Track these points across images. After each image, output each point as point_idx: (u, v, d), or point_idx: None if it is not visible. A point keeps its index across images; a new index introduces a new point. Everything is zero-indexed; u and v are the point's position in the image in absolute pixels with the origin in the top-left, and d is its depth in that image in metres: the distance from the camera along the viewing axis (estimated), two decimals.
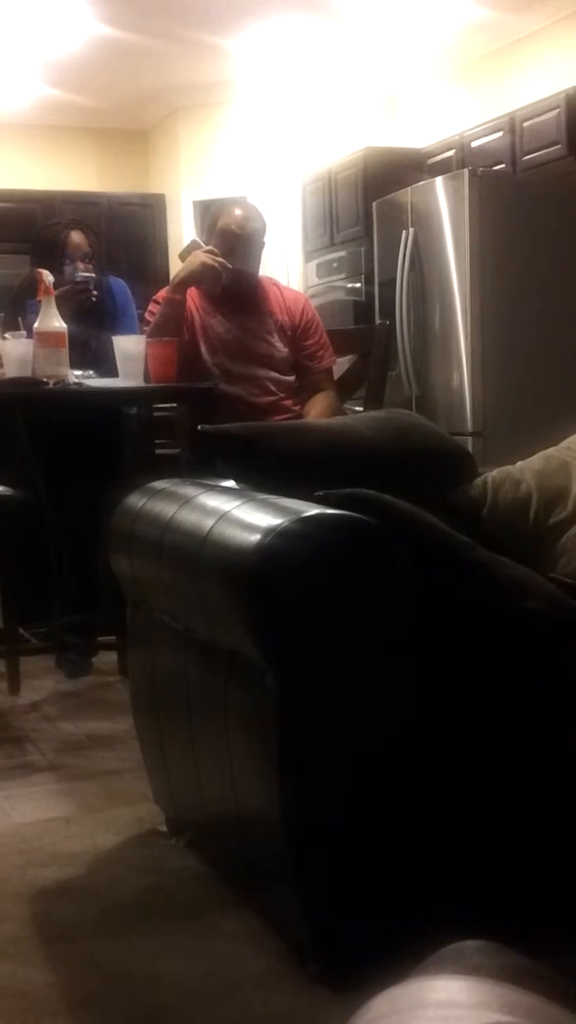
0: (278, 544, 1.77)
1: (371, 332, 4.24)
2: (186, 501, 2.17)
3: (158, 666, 2.38)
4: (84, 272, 3.88)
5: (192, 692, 2.16)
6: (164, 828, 2.50)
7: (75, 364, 3.50)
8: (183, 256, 3.87)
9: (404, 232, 5.90)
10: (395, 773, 1.83)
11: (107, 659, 3.94)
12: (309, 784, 1.82)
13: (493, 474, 2.42)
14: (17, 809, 2.73)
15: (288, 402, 3.77)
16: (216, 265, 3.68)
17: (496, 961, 0.65)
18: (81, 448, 3.95)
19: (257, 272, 3.83)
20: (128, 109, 8.41)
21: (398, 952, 1.06)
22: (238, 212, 3.79)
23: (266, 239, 3.84)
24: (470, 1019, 0.57)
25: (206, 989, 1.86)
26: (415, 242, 5.83)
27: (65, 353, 3.43)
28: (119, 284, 4.15)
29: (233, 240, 3.73)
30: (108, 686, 3.82)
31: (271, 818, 1.84)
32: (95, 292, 3.86)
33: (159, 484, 2.41)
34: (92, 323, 3.84)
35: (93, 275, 3.90)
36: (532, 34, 6.75)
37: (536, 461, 2.41)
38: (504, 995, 0.60)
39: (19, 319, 3.76)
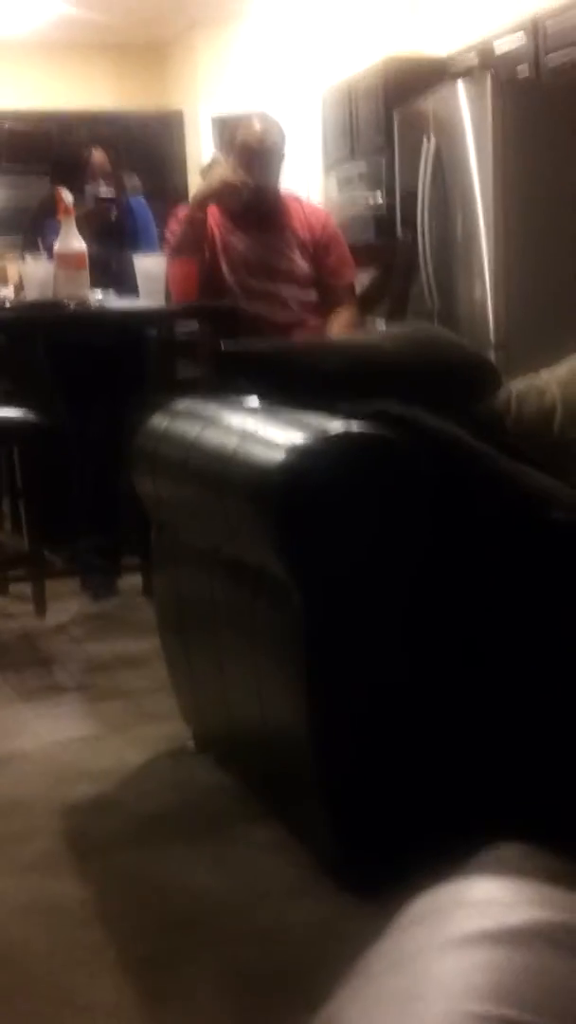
0: (303, 462, 1.77)
1: (393, 246, 4.19)
2: (210, 420, 2.16)
3: (184, 586, 2.39)
4: (106, 191, 3.83)
5: (219, 610, 2.17)
6: (192, 744, 2.52)
7: (95, 284, 3.48)
8: (204, 173, 3.82)
9: (426, 141, 5.78)
10: (421, 686, 1.84)
11: (132, 580, 3.95)
12: (335, 698, 1.83)
13: (517, 385, 2.38)
14: (47, 728, 2.76)
15: (310, 319, 3.73)
16: (236, 182, 3.62)
17: (536, 863, 0.66)
18: (102, 369, 3.92)
19: (278, 185, 3.77)
20: (144, 24, 8.25)
21: (423, 863, 1.06)
22: (257, 125, 3.72)
23: (286, 152, 3.78)
24: (512, 915, 0.57)
25: (235, 899, 1.89)
26: (437, 152, 5.72)
27: (86, 274, 3.40)
28: (140, 204, 4.10)
29: (252, 155, 3.66)
30: (133, 607, 3.84)
31: (298, 733, 1.85)
32: (115, 211, 3.81)
33: (182, 404, 2.39)
34: (112, 243, 3.80)
35: (114, 196, 3.85)
36: None
37: (561, 370, 2.37)
38: (547, 893, 0.60)
39: (39, 240, 3.73)
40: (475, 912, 0.59)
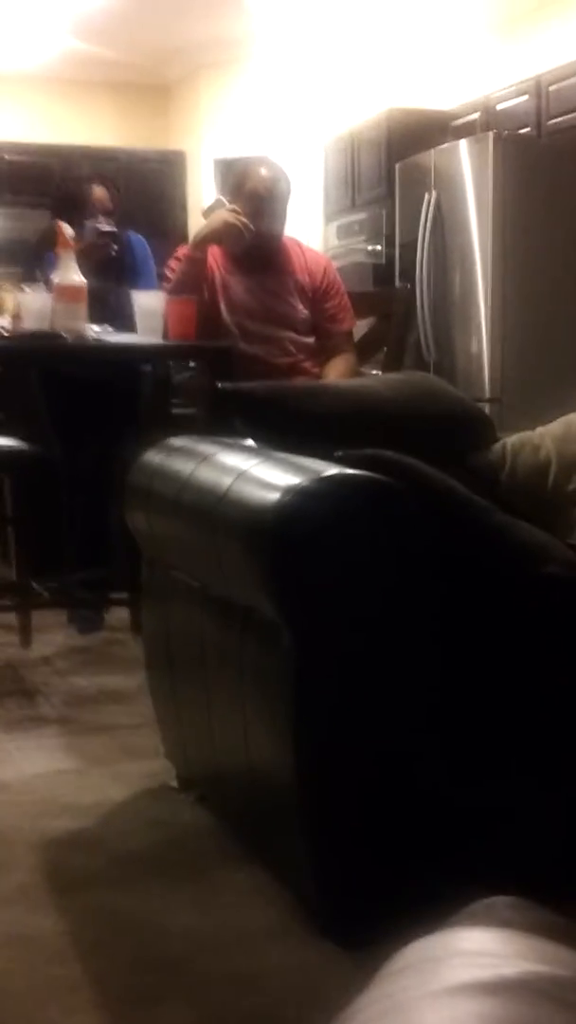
0: (297, 503, 1.77)
1: (391, 295, 4.23)
2: (205, 458, 2.17)
3: (173, 622, 2.39)
4: (106, 225, 3.86)
5: (207, 649, 2.17)
6: (175, 783, 2.51)
7: (93, 319, 3.49)
8: (206, 214, 3.85)
9: (426, 195, 5.85)
10: (410, 732, 1.84)
11: (119, 616, 3.95)
12: (322, 740, 1.83)
13: (512, 439, 2.41)
14: (28, 760, 2.75)
15: (307, 364, 3.76)
16: (238, 224, 3.65)
17: (527, 916, 0.66)
18: (96, 403, 3.94)
19: (282, 233, 3.80)
20: (150, 64, 8.34)
21: (408, 911, 1.06)
22: (265, 173, 3.75)
23: (290, 200, 3.81)
24: (506, 967, 0.57)
25: (214, 941, 1.88)
26: (437, 205, 5.79)
27: (84, 307, 3.42)
28: (139, 240, 4.14)
29: (260, 203, 3.69)
30: (119, 642, 3.83)
31: (284, 774, 1.85)
32: (115, 247, 3.84)
33: (178, 441, 2.40)
34: (111, 278, 3.82)
35: (114, 230, 3.88)
36: None
37: (556, 427, 2.40)
38: (539, 947, 0.60)
39: (37, 272, 3.75)
40: (468, 962, 0.59)
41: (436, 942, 0.62)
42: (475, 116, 6.81)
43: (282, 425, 2.29)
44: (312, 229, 7.46)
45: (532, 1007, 0.55)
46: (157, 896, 2.04)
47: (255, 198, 3.70)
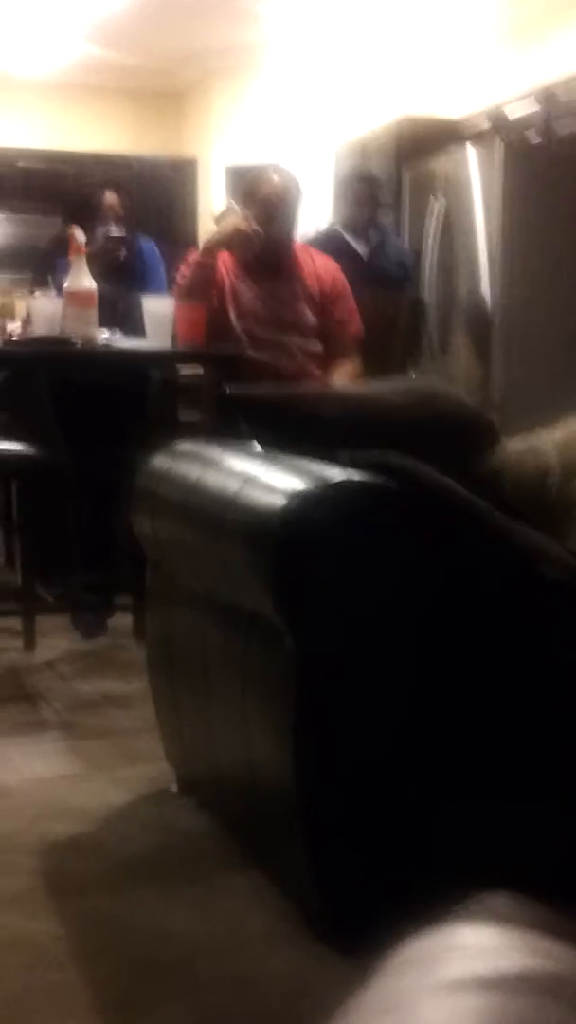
0: (303, 508, 1.77)
1: (397, 301, 4.23)
2: (212, 463, 2.17)
3: (176, 626, 2.39)
4: (116, 230, 3.87)
5: (209, 653, 2.17)
6: (175, 788, 2.51)
7: (102, 324, 3.50)
8: (218, 220, 3.86)
9: (434, 201, 5.86)
10: (411, 737, 1.84)
11: (123, 621, 3.95)
12: (324, 747, 1.82)
13: (516, 444, 2.40)
14: (30, 764, 2.75)
15: (314, 369, 3.76)
16: (249, 231, 3.66)
17: (524, 912, 0.66)
18: (103, 408, 3.94)
19: (292, 240, 3.81)
20: (164, 70, 8.36)
21: (405, 916, 1.06)
22: (277, 180, 3.76)
23: (301, 207, 3.82)
24: (506, 961, 0.57)
25: (213, 945, 1.88)
26: (445, 212, 5.79)
27: (94, 313, 3.42)
28: (149, 246, 4.15)
29: (272, 210, 3.70)
30: (123, 647, 3.83)
31: (284, 779, 1.85)
32: (125, 251, 3.85)
33: (185, 446, 2.41)
34: (121, 283, 3.83)
35: (124, 235, 3.89)
36: (570, 4, 6.66)
37: (558, 432, 2.40)
38: (536, 942, 0.60)
39: (49, 277, 3.76)
40: (467, 957, 0.59)
41: (434, 938, 0.62)
42: (484, 124, 6.81)
43: (288, 429, 2.29)
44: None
45: (530, 1002, 0.54)
46: (156, 900, 2.04)
47: (266, 204, 3.71)
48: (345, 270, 4.54)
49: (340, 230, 5.24)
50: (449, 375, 5.59)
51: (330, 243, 4.94)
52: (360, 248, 5.18)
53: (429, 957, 0.60)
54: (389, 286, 4.96)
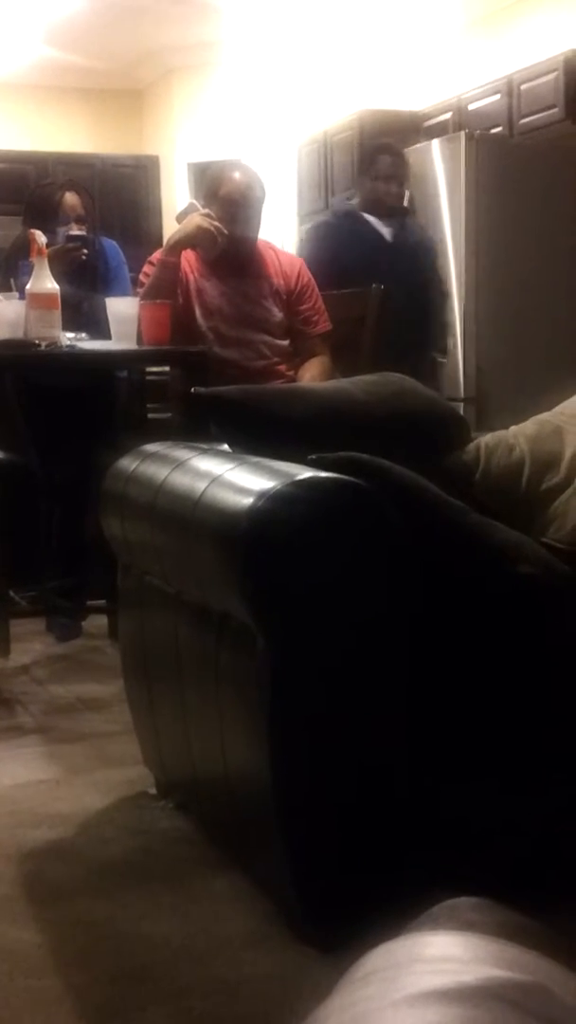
0: (271, 507, 1.77)
1: (365, 297, 4.22)
2: (179, 464, 2.16)
3: (148, 629, 2.38)
4: (76, 230, 3.85)
5: (182, 655, 2.16)
6: (153, 790, 2.51)
7: (67, 326, 3.48)
8: (180, 218, 3.84)
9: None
10: (385, 736, 1.84)
11: (97, 623, 3.93)
12: (298, 746, 1.82)
13: (486, 439, 2.41)
14: (6, 771, 2.73)
15: (282, 367, 3.75)
16: (211, 229, 3.65)
17: (491, 918, 0.66)
18: (71, 411, 3.93)
19: (256, 237, 3.80)
20: (123, 69, 8.34)
21: (386, 914, 1.06)
22: (239, 178, 3.74)
23: (264, 204, 3.81)
24: (467, 973, 0.57)
25: (194, 948, 1.87)
26: (410, 205, 5.79)
27: (57, 315, 3.40)
28: (112, 246, 4.12)
29: (235, 208, 3.69)
30: (98, 649, 3.82)
31: (260, 780, 1.84)
32: (86, 251, 3.83)
33: (152, 447, 2.40)
34: (84, 285, 3.81)
35: (84, 233, 3.87)
36: None
37: (529, 426, 2.40)
38: (500, 951, 0.60)
39: (11, 280, 3.73)
40: (429, 969, 0.59)
41: (398, 948, 0.62)
42: (447, 116, 6.83)
43: (256, 429, 2.28)
44: (286, 231, 7.46)
45: (490, 1013, 0.54)
46: (136, 905, 2.03)
47: (229, 203, 3.69)
48: (367, 255, 4.38)
49: (359, 210, 4.63)
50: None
51: (348, 225, 4.57)
52: (384, 229, 4.59)
53: (392, 968, 0.59)
54: (416, 272, 4.60)
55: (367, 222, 4.56)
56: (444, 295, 4.92)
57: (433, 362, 4.91)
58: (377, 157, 4.65)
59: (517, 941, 0.61)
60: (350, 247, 4.45)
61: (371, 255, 4.42)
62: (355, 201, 4.84)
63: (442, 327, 4.99)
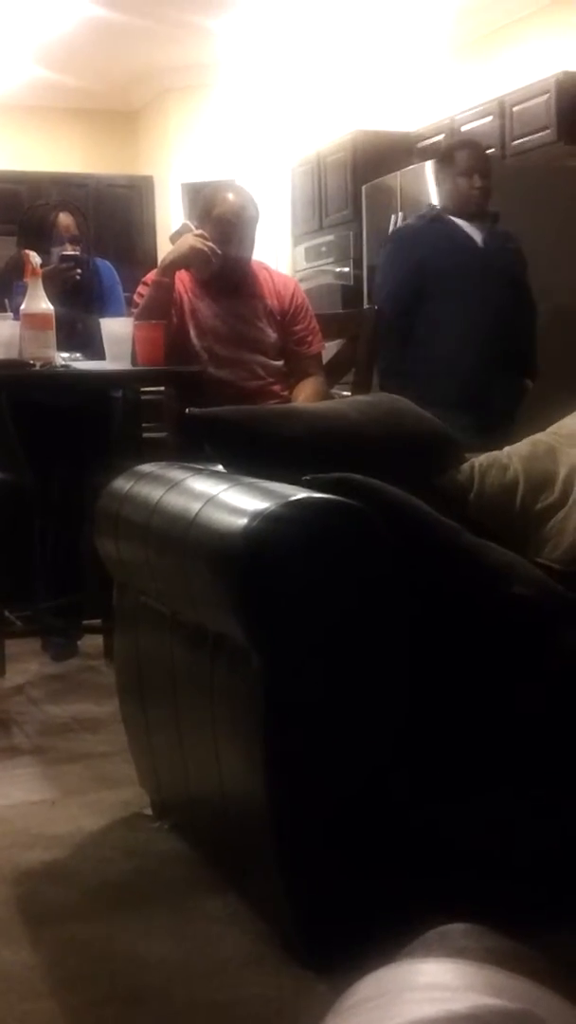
0: (265, 528, 1.77)
1: (360, 317, 4.23)
2: (173, 484, 2.17)
3: (144, 649, 2.38)
4: (70, 250, 3.86)
5: (178, 675, 2.16)
6: (149, 811, 2.50)
7: (62, 346, 3.49)
8: (174, 239, 3.85)
9: (393, 216, 5.88)
10: (381, 757, 1.84)
11: (93, 642, 3.93)
12: (294, 768, 1.82)
13: (480, 459, 2.42)
14: (1, 791, 2.73)
15: (276, 387, 3.76)
16: (206, 249, 3.66)
17: (482, 944, 0.66)
18: (66, 431, 3.93)
19: (250, 257, 3.81)
20: (117, 90, 8.37)
21: (381, 937, 1.06)
22: (232, 199, 3.76)
23: (258, 224, 3.82)
24: (457, 1001, 0.57)
25: (189, 970, 1.87)
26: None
27: (52, 335, 3.41)
28: (106, 266, 4.14)
29: (229, 229, 3.70)
30: (93, 669, 3.82)
31: (256, 801, 1.84)
32: (79, 271, 3.84)
33: (146, 467, 2.40)
34: (79, 305, 3.82)
35: (78, 253, 3.88)
36: (523, 18, 6.73)
37: (523, 446, 2.41)
38: (490, 977, 0.60)
39: (5, 300, 3.74)
40: (419, 997, 0.59)
41: (390, 976, 0.62)
42: (440, 138, 6.86)
43: (251, 449, 2.29)
44: (280, 251, 7.49)
45: None
46: (131, 927, 2.02)
47: (223, 223, 3.70)
48: (458, 259, 4.13)
49: (445, 214, 4.27)
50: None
51: (436, 228, 4.22)
52: (474, 233, 4.23)
53: (383, 996, 0.59)
54: (508, 280, 4.23)
55: (456, 224, 4.22)
56: (533, 309, 4.43)
57: (521, 388, 4.34)
58: (455, 153, 4.28)
59: (508, 967, 0.61)
60: (438, 250, 4.15)
61: (462, 259, 4.14)
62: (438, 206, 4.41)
63: (532, 346, 4.44)
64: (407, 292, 4.06)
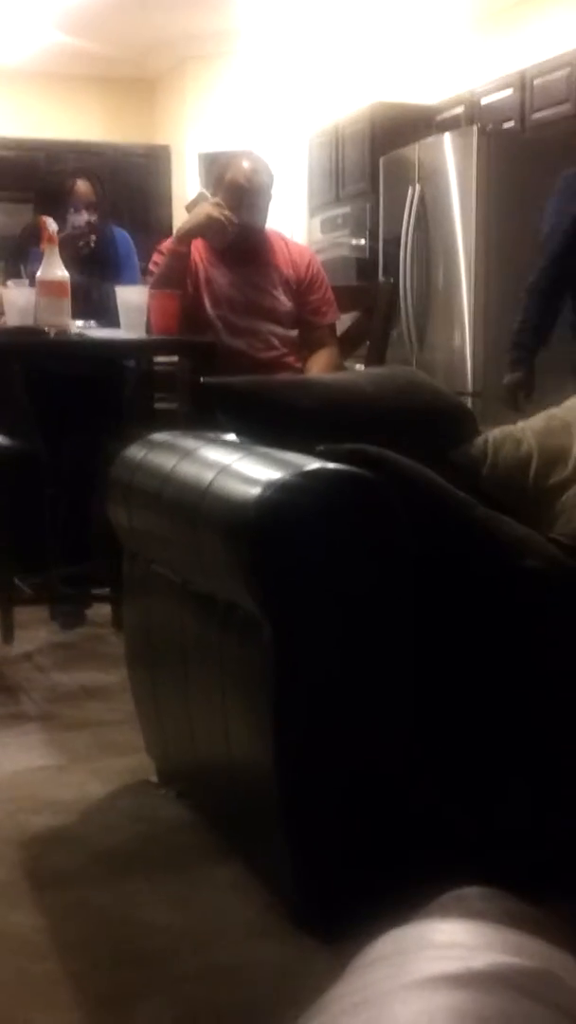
0: (278, 498, 1.77)
1: (374, 289, 4.21)
2: (187, 453, 2.16)
3: (154, 617, 2.38)
4: (85, 218, 3.84)
5: (187, 643, 2.16)
6: (155, 779, 2.51)
7: (76, 314, 3.48)
8: (190, 208, 3.84)
9: (410, 189, 5.85)
10: (390, 726, 1.84)
11: (101, 611, 3.94)
12: (302, 737, 1.82)
13: (494, 433, 2.41)
14: (9, 757, 2.74)
15: (291, 357, 3.75)
16: (222, 218, 3.64)
17: (498, 906, 0.66)
18: (79, 399, 3.93)
19: (264, 225, 3.79)
20: (135, 58, 8.32)
21: (386, 905, 1.06)
22: (246, 165, 3.74)
23: (273, 192, 3.81)
24: (475, 959, 0.57)
25: (194, 936, 1.88)
26: (421, 199, 5.79)
27: (67, 303, 3.40)
28: (122, 234, 4.12)
29: (240, 193, 3.69)
30: (101, 638, 3.83)
31: (264, 769, 1.85)
32: (93, 238, 3.82)
33: (160, 436, 2.40)
34: (94, 273, 3.81)
35: (90, 220, 3.86)
36: None
37: (538, 421, 2.40)
38: (508, 938, 0.60)
39: (21, 267, 3.74)
40: (438, 954, 0.59)
41: (408, 934, 0.62)
42: (459, 110, 6.81)
43: (264, 420, 2.28)
44: (296, 223, 7.45)
45: (499, 998, 0.55)
46: (137, 892, 2.04)
47: (235, 189, 3.69)
48: None
49: None
50: (427, 363, 5.59)
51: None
52: None
53: (401, 954, 0.59)
54: None
55: None
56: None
57: None
58: None
59: (525, 929, 0.61)
60: None
61: None
62: None
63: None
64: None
